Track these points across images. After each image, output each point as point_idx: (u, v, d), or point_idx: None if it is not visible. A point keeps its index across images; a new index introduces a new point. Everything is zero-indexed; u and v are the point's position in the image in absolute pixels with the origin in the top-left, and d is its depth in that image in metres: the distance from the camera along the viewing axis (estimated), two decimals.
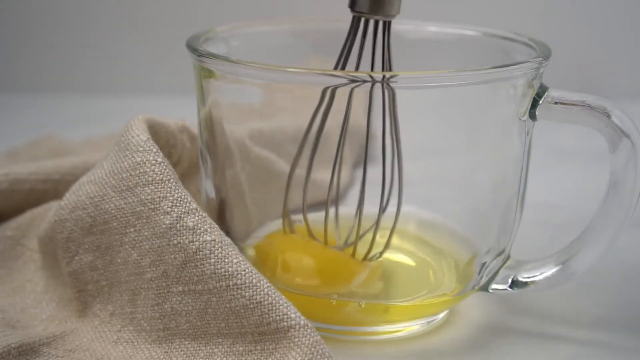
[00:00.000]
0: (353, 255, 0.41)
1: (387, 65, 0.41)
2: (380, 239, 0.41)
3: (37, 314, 0.40)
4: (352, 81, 0.37)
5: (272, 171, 0.44)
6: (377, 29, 0.40)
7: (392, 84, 0.37)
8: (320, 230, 0.41)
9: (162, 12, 0.84)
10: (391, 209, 0.42)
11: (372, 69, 0.41)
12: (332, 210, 0.42)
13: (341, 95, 0.39)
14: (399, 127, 0.40)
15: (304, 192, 0.41)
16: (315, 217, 0.42)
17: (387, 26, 0.40)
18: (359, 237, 0.41)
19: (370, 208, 0.41)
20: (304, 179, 0.40)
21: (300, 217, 0.41)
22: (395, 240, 0.43)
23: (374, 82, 0.37)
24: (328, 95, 0.39)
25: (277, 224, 0.43)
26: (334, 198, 0.42)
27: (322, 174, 0.42)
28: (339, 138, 0.40)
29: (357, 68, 0.40)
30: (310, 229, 0.41)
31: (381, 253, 0.41)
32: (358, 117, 0.41)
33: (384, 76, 0.37)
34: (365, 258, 0.41)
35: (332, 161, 0.41)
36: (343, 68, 0.40)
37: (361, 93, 0.39)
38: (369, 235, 0.41)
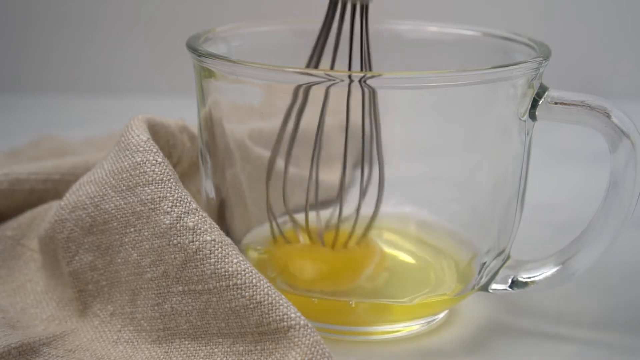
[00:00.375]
0: (334, 242, 0.41)
1: (365, 54, 0.40)
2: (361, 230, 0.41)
3: (37, 313, 0.40)
4: (352, 81, 0.37)
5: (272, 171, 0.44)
6: (354, 15, 0.40)
7: (393, 84, 0.37)
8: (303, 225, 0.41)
9: (162, 12, 0.84)
10: (391, 209, 0.42)
11: (350, 60, 0.40)
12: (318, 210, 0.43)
13: (340, 95, 0.39)
14: (379, 124, 0.40)
15: (284, 194, 0.41)
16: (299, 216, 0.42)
17: (364, 12, 0.40)
18: (340, 221, 0.41)
19: (364, 208, 0.42)
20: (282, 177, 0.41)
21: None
22: (395, 240, 0.43)
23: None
24: (301, 94, 0.39)
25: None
26: (314, 196, 0.42)
27: (321, 174, 0.42)
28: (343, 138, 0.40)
29: (333, 57, 0.40)
30: (308, 230, 0.41)
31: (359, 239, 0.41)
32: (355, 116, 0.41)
33: (363, 75, 0.36)
34: (345, 244, 0.41)
35: (315, 160, 0.41)
36: (319, 56, 0.40)
37: (358, 93, 0.39)
38: (351, 225, 0.41)
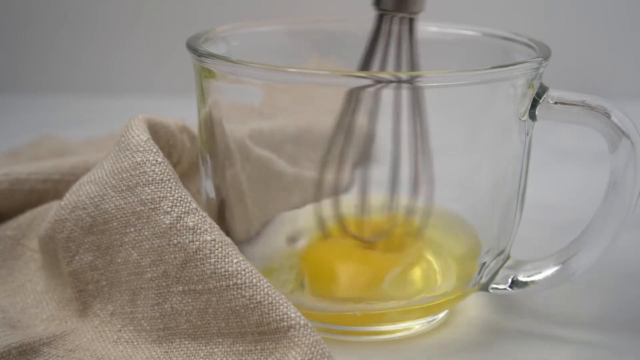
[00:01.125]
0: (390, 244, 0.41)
1: (414, 64, 0.41)
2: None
3: (37, 313, 0.40)
4: (378, 82, 0.37)
5: (272, 171, 0.44)
6: (401, 27, 0.40)
7: (416, 84, 0.37)
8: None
9: (162, 12, 0.84)
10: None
11: (398, 69, 0.41)
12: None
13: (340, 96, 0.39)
14: (426, 126, 0.40)
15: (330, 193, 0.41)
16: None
17: (412, 24, 0.40)
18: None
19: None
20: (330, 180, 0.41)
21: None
22: (395, 240, 0.43)
23: (393, 82, 0.37)
24: (354, 97, 0.39)
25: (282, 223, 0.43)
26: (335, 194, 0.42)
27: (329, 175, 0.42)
28: (336, 138, 0.40)
29: (383, 68, 0.40)
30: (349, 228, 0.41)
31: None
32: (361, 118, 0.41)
33: (405, 78, 0.37)
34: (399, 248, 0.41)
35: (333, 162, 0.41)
36: (368, 68, 0.40)
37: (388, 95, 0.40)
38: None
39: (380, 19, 0.40)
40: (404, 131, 0.40)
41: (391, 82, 0.37)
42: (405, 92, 0.39)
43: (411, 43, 0.41)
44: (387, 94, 0.39)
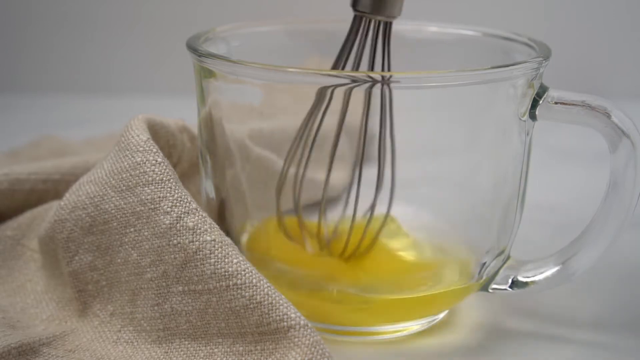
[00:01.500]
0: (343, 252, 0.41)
1: (386, 67, 0.41)
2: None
3: (37, 313, 0.40)
4: (353, 81, 0.37)
5: (272, 171, 0.44)
6: (378, 30, 0.40)
7: (391, 85, 0.37)
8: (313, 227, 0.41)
9: (162, 12, 0.84)
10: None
11: (371, 70, 0.41)
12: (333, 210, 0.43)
13: (339, 95, 0.39)
14: (393, 127, 0.40)
15: (296, 191, 0.41)
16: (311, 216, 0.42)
17: (388, 27, 0.40)
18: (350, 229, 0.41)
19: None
20: (299, 177, 0.41)
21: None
22: (395, 239, 0.43)
23: (373, 82, 0.37)
24: (327, 95, 0.39)
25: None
26: (327, 197, 0.42)
27: (320, 174, 0.42)
28: (335, 138, 0.40)
29: (356, 68, 0.40)
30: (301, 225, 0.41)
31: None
32: (358, 117, 0.41)
33: (383, 77, 0.37)
34: (343, 252, 0.41)
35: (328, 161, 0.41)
36: (343, 68, 0.41)
37: (359, 93, 0.39)
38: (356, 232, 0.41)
39: (356, 21, 0.40)
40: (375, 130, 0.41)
41: (391, 82, 0.37)
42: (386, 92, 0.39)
43: (386, 48, 0.41)
44: (376, 93, 0.39)
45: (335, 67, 0.41)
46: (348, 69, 0.41)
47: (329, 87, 0.38)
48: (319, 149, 0.41)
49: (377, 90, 0.39)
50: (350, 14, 0.40)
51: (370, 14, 0.40)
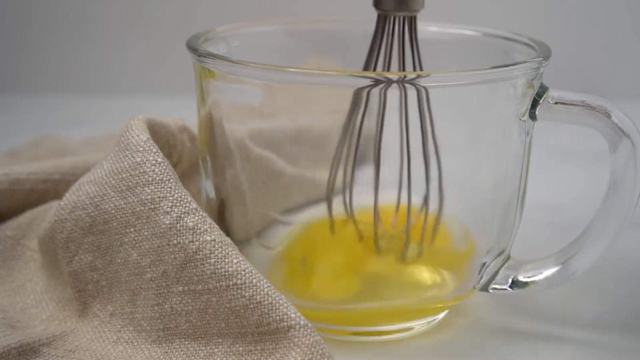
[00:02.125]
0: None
1: (417, 62, 0.41)
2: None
3: (37, 313, 0.40)
4: (377, 82, 0.37)
5: (272, 171, 0.44)
6: (403, 26, 0.40)
7: (421, 83, 0.37)
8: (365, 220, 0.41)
9: (162, 12, 0.84)
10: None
11: (402, 68, 0.41)
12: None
13: (347, 96, 0.39)
14: (434, 126, 0.40)
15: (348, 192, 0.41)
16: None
17: (413, 22, 0.40)
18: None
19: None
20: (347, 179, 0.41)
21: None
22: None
23: (376, 83, 0.37)
24: (364, 97, 0.39)
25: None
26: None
27: (321, 174, 0.42)
28: (355, 138, 0.40)
29: (387, 68, 0.41)
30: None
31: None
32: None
33: (400, 77, 0.37)
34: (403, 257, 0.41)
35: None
36: (374, 69, 0.41)
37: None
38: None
39: (381, 20, 0.40)
40: (410, 131, 0.40)
41: (392, 81, 0.37)
42: (410, 92, 0.39)
43: (414, 41, 0.41)
44: (392, 93, 0.39)
45: (365, 69, 0.41)
46: (379, 70, 0.41)
47: (362, 88, 0.38)
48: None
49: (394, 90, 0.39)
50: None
51: (394, 11, 0.40)
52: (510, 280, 0.41)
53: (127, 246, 0.38)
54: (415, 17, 0.41)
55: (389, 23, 0.40)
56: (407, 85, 0.37)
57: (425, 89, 0.38)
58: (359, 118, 0.40)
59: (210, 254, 0.36)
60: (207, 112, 0.41)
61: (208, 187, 0.42)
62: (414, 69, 0.42)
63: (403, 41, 0.40)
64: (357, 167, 0.41)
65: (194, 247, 0.36)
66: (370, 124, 0.40)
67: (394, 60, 0.41)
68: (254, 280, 0.35)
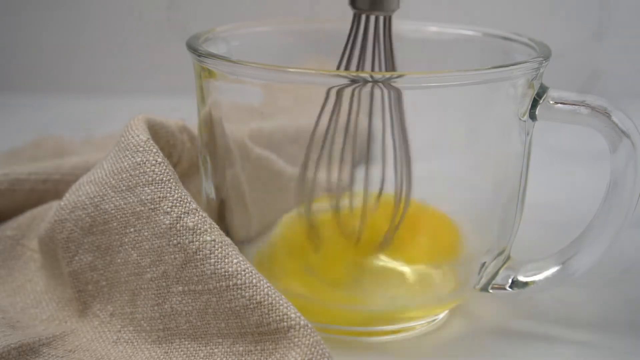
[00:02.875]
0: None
1: (389, 62, 0.41)
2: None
3: (37, 314, 0.40)
4: (353, 82, 0.37)
5: (272, 171, 0.44)
6: (377, 26, 0.40)
7: (394, 84, 0.37)
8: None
9: (162, 12, 0.84)
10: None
11: (373, 68, 0.41)
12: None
13: (343, 96, 0.39)
14: (405, 126, 0.40)
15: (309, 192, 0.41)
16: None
17: (387, 22, 0.40)
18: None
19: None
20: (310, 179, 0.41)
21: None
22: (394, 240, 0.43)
23: (375, 82, 0.37)
24: (333, 96, 0.39)
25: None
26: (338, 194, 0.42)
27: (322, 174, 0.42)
28: (343, 139, 0.40)
29: (359, 67, 0.41)
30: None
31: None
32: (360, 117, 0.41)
33: (384, 76, 0.37)
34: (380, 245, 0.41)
35: (333, 161, 0.41)
36: (347, 68, 0.41)
37: (363, 93, 0.40)
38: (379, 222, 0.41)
39: (356, 19, 0.40)
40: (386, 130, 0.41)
41: (392, 82, 0.37)
42: (389, 92, 0.39)
43: (388, 42, 0.41)
44: (377, 93, 0.39)
45: (338, 67, 0.41)
46: (352, 69, 0.41)
47: (332, 87, 0.38)
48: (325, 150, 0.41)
49: (377, 89, 0.39)
50: (350, 14, 0.40)
51: (369, 11, 0.40)
52: (510, 280, 0.41)
53: (127, 246, 0.38)
54: (390, 18, 0.41)
55: (364, 23, 0.40)
56: (388, 86, 0.37)
57: (399, 90, 0.38)
58: (339, 118, 0.40)
59: (210, 254, 0.36)
60: (207, 112, 0.41)
61: (208, 187, 0.42)
62: (386, 69, 0.41)
63: (377, 42, 0.40)
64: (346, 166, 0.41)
65: (194, 247, 0.36)
66: (342, 122, 0.40)
67: (367, 60, 0.41)
68: (254, 281, 0.35)
